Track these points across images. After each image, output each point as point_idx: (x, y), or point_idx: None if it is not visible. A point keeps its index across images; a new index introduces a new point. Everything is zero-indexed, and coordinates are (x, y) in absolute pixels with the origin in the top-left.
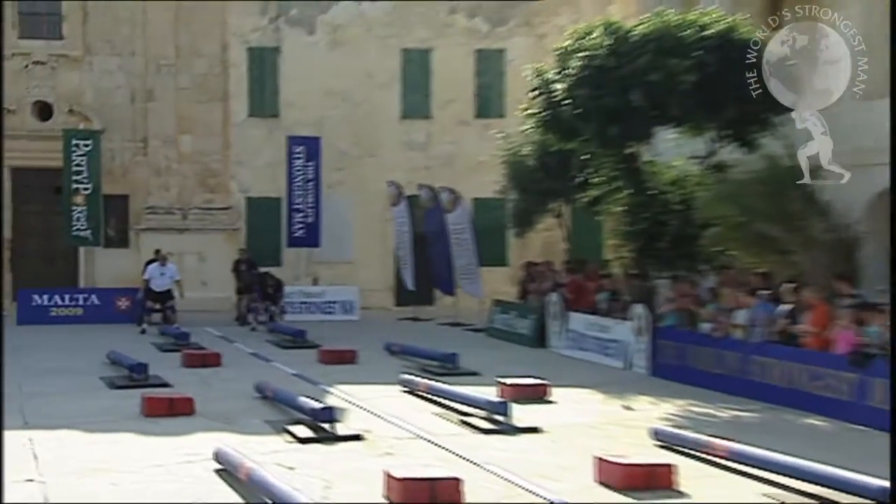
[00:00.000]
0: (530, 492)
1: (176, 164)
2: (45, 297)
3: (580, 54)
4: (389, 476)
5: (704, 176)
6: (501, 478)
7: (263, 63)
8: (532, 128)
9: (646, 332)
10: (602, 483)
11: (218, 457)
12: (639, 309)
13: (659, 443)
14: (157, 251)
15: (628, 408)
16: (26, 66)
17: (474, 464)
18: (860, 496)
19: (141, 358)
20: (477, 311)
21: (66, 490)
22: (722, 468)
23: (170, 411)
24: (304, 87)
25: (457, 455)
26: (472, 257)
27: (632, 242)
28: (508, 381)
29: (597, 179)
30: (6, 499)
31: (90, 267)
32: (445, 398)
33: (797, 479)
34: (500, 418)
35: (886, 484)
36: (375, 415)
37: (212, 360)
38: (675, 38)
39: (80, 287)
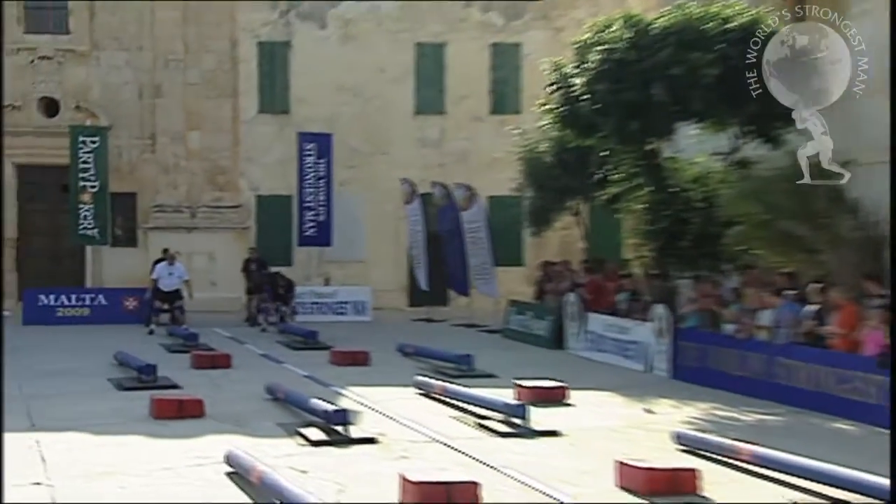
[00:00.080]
0: (550, 496)
1: (184, 162)
2: (52, 296)
3: (599, 48)
4: (405, 479)
5: (727, 173)
6: (520, 482)
7: (273, 58)
8: (549, 123)
9: (667, 334)
10: (623, 488)
11: (229, 460)
12: (659, 310)
13: (681, 447)
14: (166, 250)
15: (649, 411)
16: (32, 62)
17: (492, 468)
18: (888, 501)
19: (149, 359)
20: (492, 311)
21: (74, 493)
22: (747, 473)
23: (179, 413)
24: (315, 83)
25: (474, 459)
26: (487, 256)
27: (652, 241)
28: (526, 383)
29: (616, 176)
30: (8, 499)
31: (97, 266)
32: (461, 401)
33: (824, 483)
34: (518, 421)
35: None
36: (389, 417)
37: (221, 362)
38: (698, 30)
39: (86, 287)
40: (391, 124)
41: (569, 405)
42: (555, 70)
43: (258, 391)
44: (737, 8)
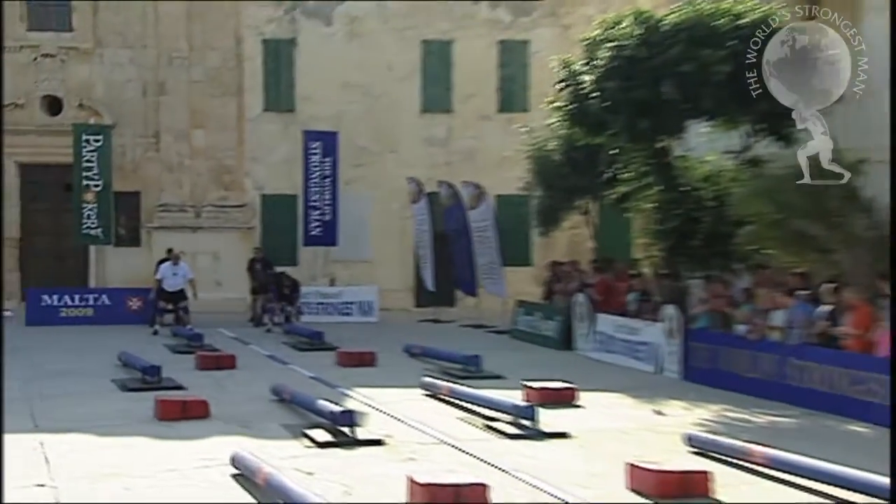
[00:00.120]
0: (559, 499)
1: (189, 160)
2: (55, 297)
3: (609, 45)
4: (413, 481)
5: (739, 171)
6: (529, 484)
7: (279, 55)
8: (558, 121)
9: (677, 335)
10: (634, 490)
11: (235, 461)
12: (670, 310)
13: (693, 449)
14: (170, 250)
15: (660, 413)
16: (35, 59)
17: (500, 470)
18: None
19: (153, 360)
20: (500, 312)
21: (78, 495)
22: (759, 475)
23: (184, 414)
24: (320, 81)
25: (482, 461)
26: (495, 256)
27: (663, 241)
28: (534, 384)
29: (626, 175)
30: (11, 500)
31: (101, 266)
32: (469, 402)
33: (838, 486)
34: (527, 423)
35: None
36: (396, 419)
37: (226, 363)
38: (709, 27)
39: (90, 287)
40: (397, 123)
41: (578, 407)
42: (564, 67)
43: (263, 392)
44: (748, 4)
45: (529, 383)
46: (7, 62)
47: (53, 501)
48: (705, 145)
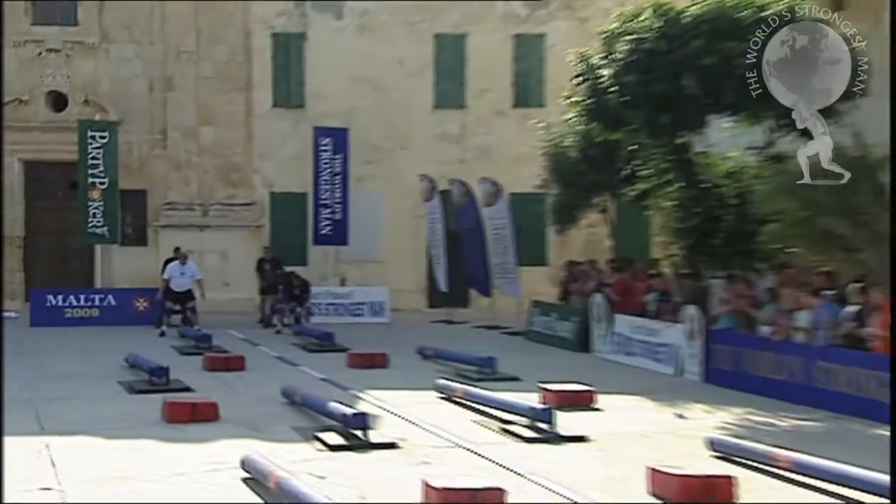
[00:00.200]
0: None
1: (196, 158)
2: (60, 297)
3: (628, 37)
4: (428, 485)
5: (762, 168)
6: (547, 489)
7: (288, 50)
8: (575, 117)
9: (698, 336)
10: (656, 495)
11: (246, 464)
12: (691, 311)
13: (716, 453)
14: (177, 249)
15: (681, 416)
16: (39, 54)
17: (518, 474)
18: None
19: (161, 361)
20: (515, 313)
21: (85, 499)
22: (785, 480)
23: (193, 417)
24: (331, 76)
25: (498, 465)
26: (510, 255)
27: (683, 239)
28: (552, 386)
29: (645, 172)
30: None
31: (106, 266)
32: (484, 405)
33: (865, 492)
34: (544, 426)
35: None
36: (410, 422)
37: (235, 364)
38: (732, 19)
39: (96, 287)
40: (410, 119)
41: (596, 410)
42: (581, 61)
43: (273, 394)
44: None
45: (546, 385)
46: (11, 57)
47: None
48: (727, 141)
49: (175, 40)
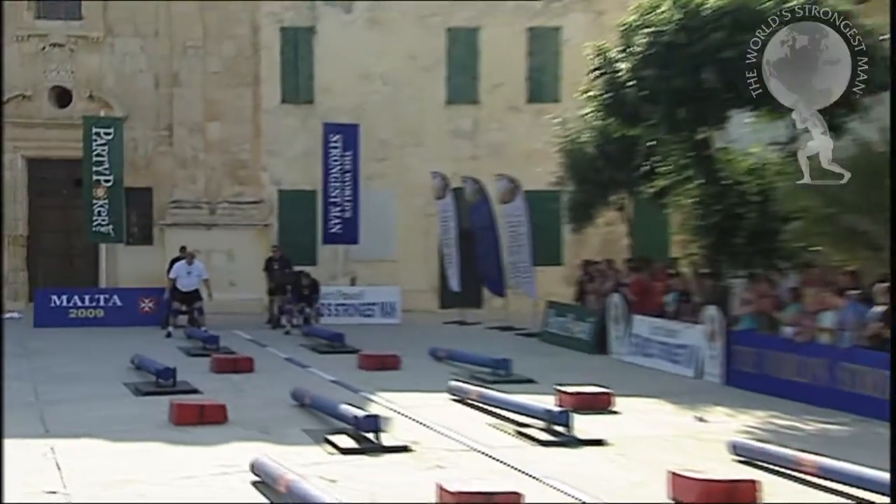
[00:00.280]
0: None
1: (203, 155)
2: (64, 297)
3: (646, 30)
4: (442, 489)
5: (785, 164)
6: (565, 493)
7: (297, 44)
8: (592, 112)
9: (719, 337)
10: (676, 500)
11: (255, 468)
12: (711, 311)
13: (738, 457)
14: (183, 248)
15: (701, 419)
16: (43, 49)
17: (534, 478)
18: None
19: (167, 363)
20: (529, 314)
21: (91, 502)
22: (810, 485)
23: (201, 419)
24: (340, 71)
25: (514, 469)
26: (526, 254)
27: (703, 238)
28: (568, 389)
29: (664, 168)
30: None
31: (112, 265)
32: (499, 407)
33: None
34: (561, 429)
35: None
36: (423, 425)
37: (243, 366)
38: (754, 10)
39: (101, 287)
40: (421, 114)
41: (614, 413)
42: (598, 55)
43: (283, 396)
44: None
45: (563, 388)
46: (14, 52)
47: None
48: (749, 136)
49: (181, 34)
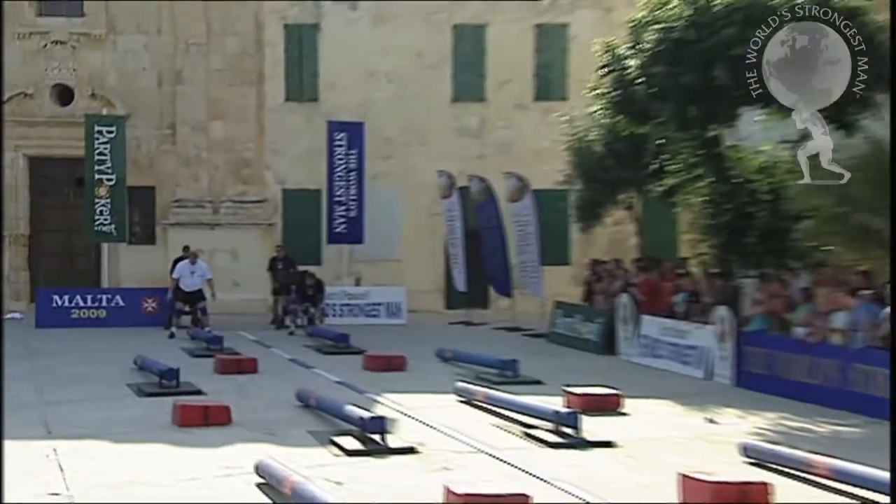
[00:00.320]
0: None
1: (206, 153)
2: (66, 297)
3: (656, 27)
4: (449, 491)
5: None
6: (573, 495)
7: (301, 42)
8: (600, 110)
9: (729, 338)
10: (686, 502)
11: (260, 469)
12: (721, 311)
13: (749, 459)
14: (186, 248)
15: (712, 421)
16: (45, 46)
17: (542, 480)
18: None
19: (171, 363)
20: (536, 314)
21: None
22: (822, 488)
23: (205, 421)
24: (345, 68)
25: (522, 471)
26: (535, 254)
27: (713, 237)
28: (576, 390)
29: (673, 167)
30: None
31: (114, 265)
32: (506, 408)
33: None
34: (569, 431)
35: None
36: (429, 426)
37: (248, 367)
38: (764, 6)
39: (103, 287)
40: (427, 112)
41: (623, 414)
42: (606, 52)
43: (287, 397)
44: None
45: (571, 389)
46: (16, 49)
47: None
48: (760, 134)
49: (184, 32)
